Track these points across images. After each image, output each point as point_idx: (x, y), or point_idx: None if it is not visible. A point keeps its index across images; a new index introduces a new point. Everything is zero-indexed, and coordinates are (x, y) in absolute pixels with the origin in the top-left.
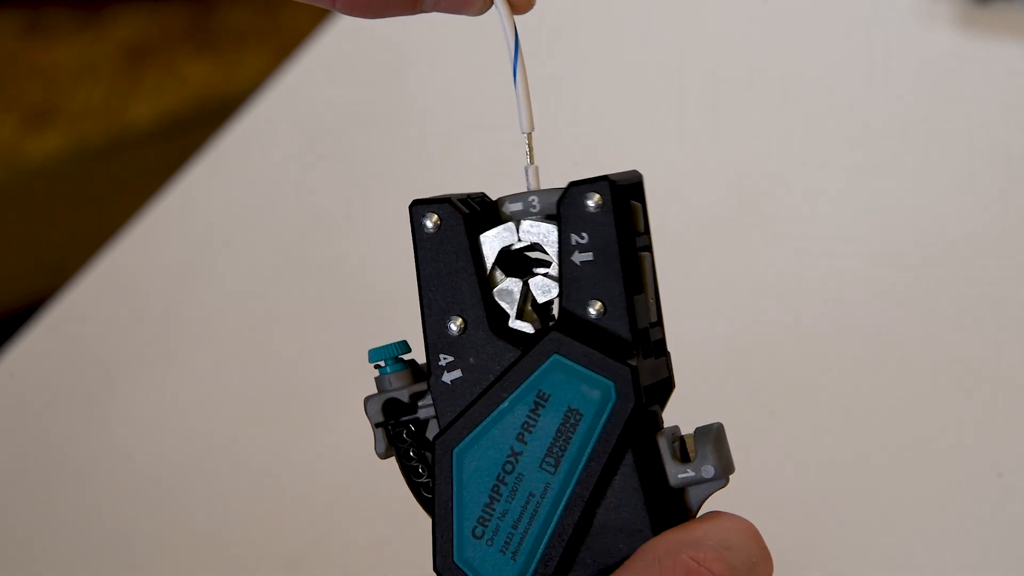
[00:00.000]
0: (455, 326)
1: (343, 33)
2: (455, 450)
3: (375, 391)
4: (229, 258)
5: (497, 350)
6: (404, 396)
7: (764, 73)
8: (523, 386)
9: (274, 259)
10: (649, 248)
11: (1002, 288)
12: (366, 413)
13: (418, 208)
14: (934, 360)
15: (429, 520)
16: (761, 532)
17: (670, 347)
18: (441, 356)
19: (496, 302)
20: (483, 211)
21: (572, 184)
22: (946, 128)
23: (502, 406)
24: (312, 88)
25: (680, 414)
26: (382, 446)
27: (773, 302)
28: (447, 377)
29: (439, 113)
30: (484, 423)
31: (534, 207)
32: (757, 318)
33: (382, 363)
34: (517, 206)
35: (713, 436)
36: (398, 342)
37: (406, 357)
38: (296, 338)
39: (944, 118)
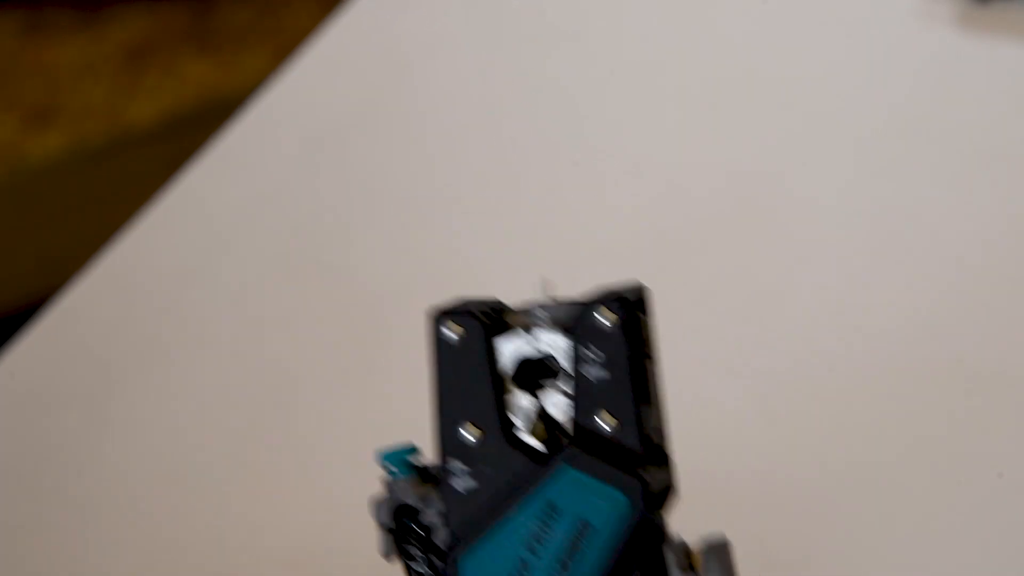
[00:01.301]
0: (470, 434)
1: (344, 33)
2: (462, 558)
3: (381, 490)
4: (230, 258)
5: (512, 461)
6: (416, 502)
7: (763, 73)
8: (533, 496)
9: (275, 259)
10: (653, 355)
11: (1002, 288)
12: (373, 516)
13: (441, 319)
14: (934, 360)
15: None
16: (759, 533)
17: (675, 347)
18: (454, 463)
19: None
20: (499, 318)
21: (587, 302)
22: (945, 128)
23: (511, 515)
24: (313, 88)
25: (681, 415)
26: (387, 549)
27: (770, 302)
28: (460, 485)
29: (440, 113)
30: (492, 531)
31: (544, 320)
32: (755, 318)
33: (392, 467)
34: (527, 319)
35: (720, 554)
36: (408, 448)
37: (415, 461)
38: (296, 339)
39: (944, 118)
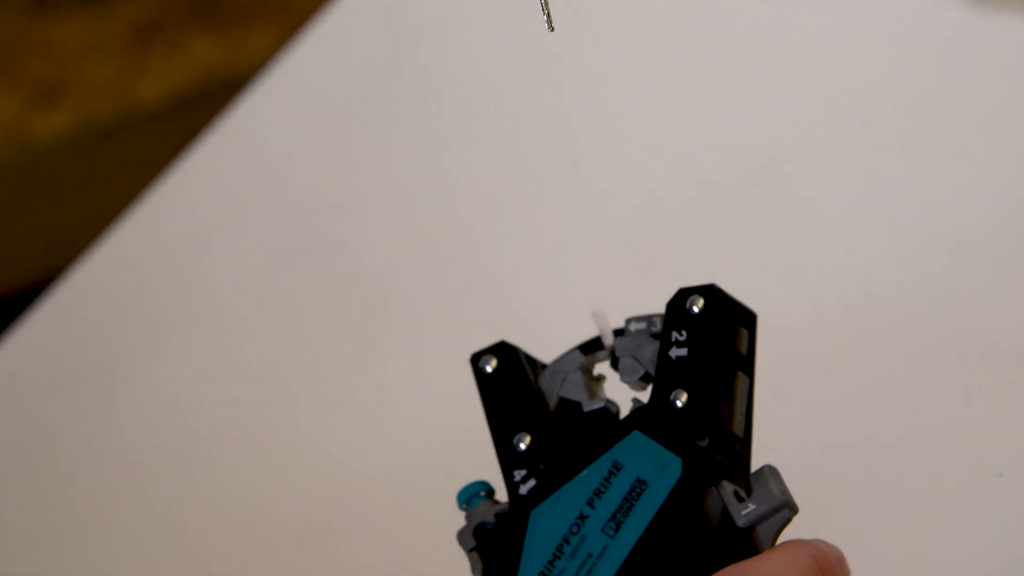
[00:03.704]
0: (523, 443)
1: (350, 10)
2: (532, 511)
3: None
4: (237, 237)
5: (563, 448)
6: (490, 518)
7: (771, 52)
8: (602, 457)
9: (281, 238)
10: (748, 372)
11: (1013, 271)
12: (460, 544)
13: (477, 358)
14: (935, 358)
15: (440, 498)
16: None
17: None
18: (515, 472)
19: (556, 414)
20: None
21: (681, 289)
22: (956, 105)
23: (581, 474)
24: (320, 65)
25: None
26: (479, 571)
27: (779, 284)
28: (524, 489)
29: (447, 92)
30: (562, 488)
31: (656, 325)
32: (763, 299)
33: (467, 505)
34: (642, 325)
35: (767, 473)
36: (478, 482)
37: (486, 490)
38: (302, 317)
39: (955, 95)
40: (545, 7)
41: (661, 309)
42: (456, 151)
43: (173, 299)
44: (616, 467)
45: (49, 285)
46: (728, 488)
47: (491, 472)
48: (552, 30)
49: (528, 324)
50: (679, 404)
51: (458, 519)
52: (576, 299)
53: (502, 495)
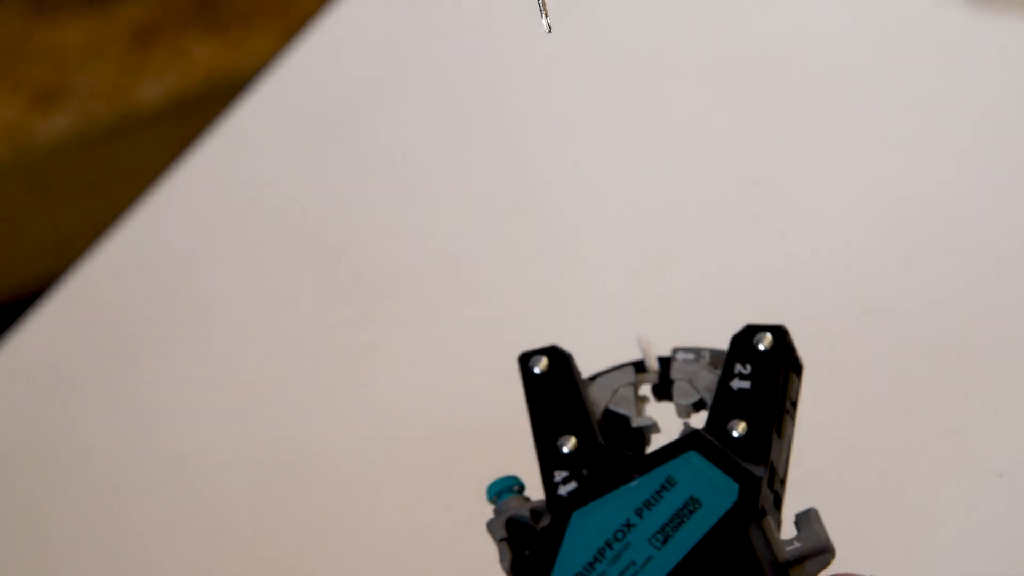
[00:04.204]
0: (567, 446)
1: (351, 12)
2: (575, 512)
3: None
4: (237, 239)
5: (609, 456)
6: (524, 512)
7: (773, 50)
8: (655, 471)
9: (282, 240)
10: (793, 418)
11: (1011, 278)
12: (489, 533)
13: (527, 358)
14: (935, 358)
15: (440, 499)
16: None
17: (685, 330)
18: (556, 473)
19: (604, 423)
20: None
21: (749, 325)
22: (956, 106)
23: (631, 484)
24: (320, 68)
25: None
26: (508, 560)
27: (778, 285)
28: (563, 491)
29: (447, 93)
30: (609, 495)
31: (704, 358)
32: (761, 301)
33: (496, 497)
34: (690, 356)
35: (812, 515)
36: (510, 476)
37: (517, 486)
38: (303, 320)
39: (954, 96)
40: (543, 8)
41: (660, 310)
42: (456, 152)
43: (173, 301)
44: (670, 482)
45: (49, 287)
46: (772, 522)
47: (491, 473)
48: (550, 31)
49: (527, 324)
50: (735, 434)
51: (457, 519)
52: (575, 299)
53: (529, 494)
